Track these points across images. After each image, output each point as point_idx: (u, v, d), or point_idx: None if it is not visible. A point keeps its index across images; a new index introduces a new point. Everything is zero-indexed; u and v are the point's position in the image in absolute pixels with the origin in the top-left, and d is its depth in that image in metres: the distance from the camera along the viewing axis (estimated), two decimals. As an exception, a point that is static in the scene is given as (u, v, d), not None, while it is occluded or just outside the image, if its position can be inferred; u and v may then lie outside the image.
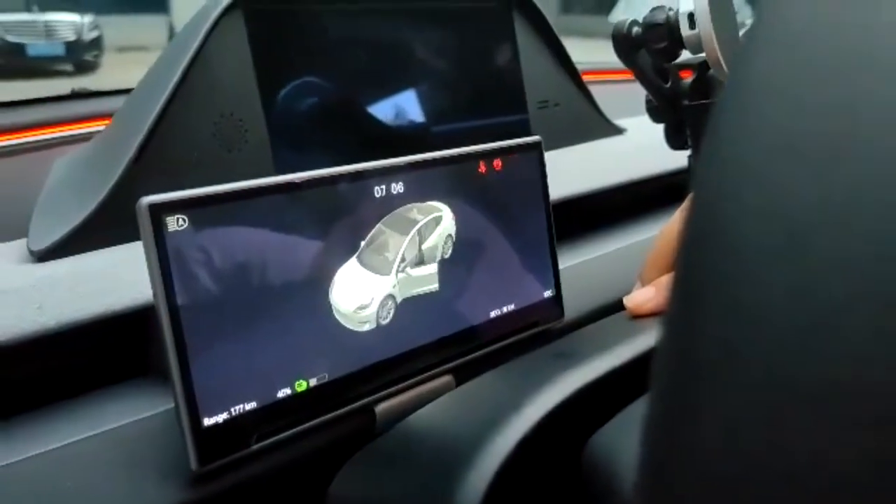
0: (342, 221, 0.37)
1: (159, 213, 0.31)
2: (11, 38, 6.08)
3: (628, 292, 0.44)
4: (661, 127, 0.54)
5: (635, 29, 0.46)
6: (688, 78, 0.51)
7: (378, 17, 0.56)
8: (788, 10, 0.13)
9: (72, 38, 6.38)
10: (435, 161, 0.40)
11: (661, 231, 0.40)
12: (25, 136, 0.69)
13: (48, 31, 6.33)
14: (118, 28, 7.03)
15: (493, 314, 0.43)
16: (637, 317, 0.39)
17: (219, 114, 0.45)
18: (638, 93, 0.60)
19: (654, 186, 0.63)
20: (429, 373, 0.40)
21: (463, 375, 0.40)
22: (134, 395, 0.37)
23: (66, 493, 0.31)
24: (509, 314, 0.43)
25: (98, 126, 0.70)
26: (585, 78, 0.70)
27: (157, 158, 0.43)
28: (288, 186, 0.35)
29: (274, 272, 0.34)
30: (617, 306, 0.45)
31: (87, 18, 6.50)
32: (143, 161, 0.42)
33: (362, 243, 0.37)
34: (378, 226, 0.38)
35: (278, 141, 0.49)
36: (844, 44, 0.13)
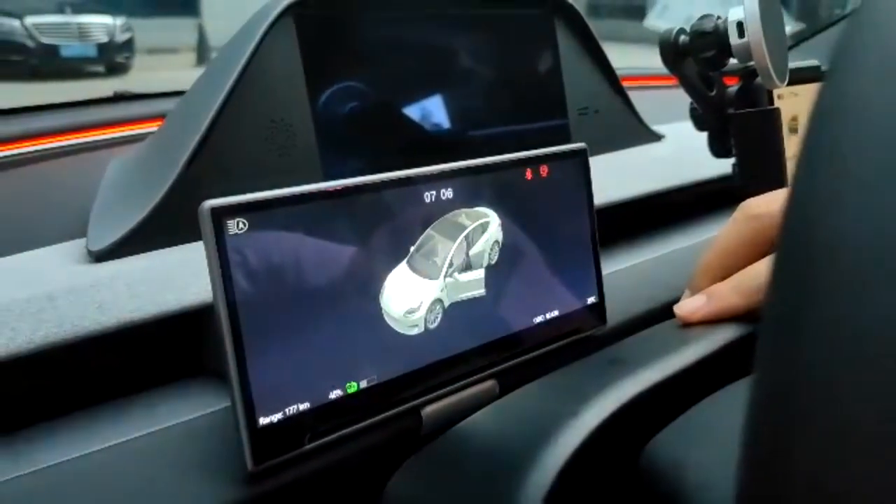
0: (393, 226, 0.37)
1: (220, 217, 0.31)
2: (45, 40, 6.20)
3: (669, 299, 0.44)
4: (698, 133, 0.54)
5: (682, 37, 0.46)
6: (732, 85, 0.50)
7: (424, 24, 0.56)
8: (884, 20, 0.14)
9: (104, 39, 6.49)
10: (483, 167, 0.41)
11: (714, 241, 0.40)
12: (72, 139, 0.71)
13: (81, 32, 6.45)
14: (148, 30, 7.13)
15: (536, 320, 0.43)
16: (687, 325, 0.39)
17: (269, 119, 0.46)
18: (671, 98, 0.60)
19: (694, 193, 0.63)
20: (474, 377, 0.40)
21: (506, 380, 0.41)
22: (188, 393, 0.38)
23: (124, 489, 0.32)
24: (553, 320, 0.44)
25: (142, 128, 0.72)
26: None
27: (210, 162, 0.44)
28: (343, 191, 0.35)
29: (327, 275, 0.34)
30: (657, 313, 0.45)
31: (120, 20, 6.61)
32: (196, 164, 0.43)
33: (412, 248, 0.38)
34: (428, 231, 0.38)
35: (325, 145, 0.49)
36: None
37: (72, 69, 6.22)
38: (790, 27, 1.20)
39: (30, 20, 6.15)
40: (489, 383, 0.41)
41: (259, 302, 0.32)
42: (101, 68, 6.55)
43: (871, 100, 0.13)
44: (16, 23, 6.12)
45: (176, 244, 0.43)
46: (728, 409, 0.29)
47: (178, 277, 0.39)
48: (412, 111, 0.56)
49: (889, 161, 0.12)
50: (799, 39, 1.19)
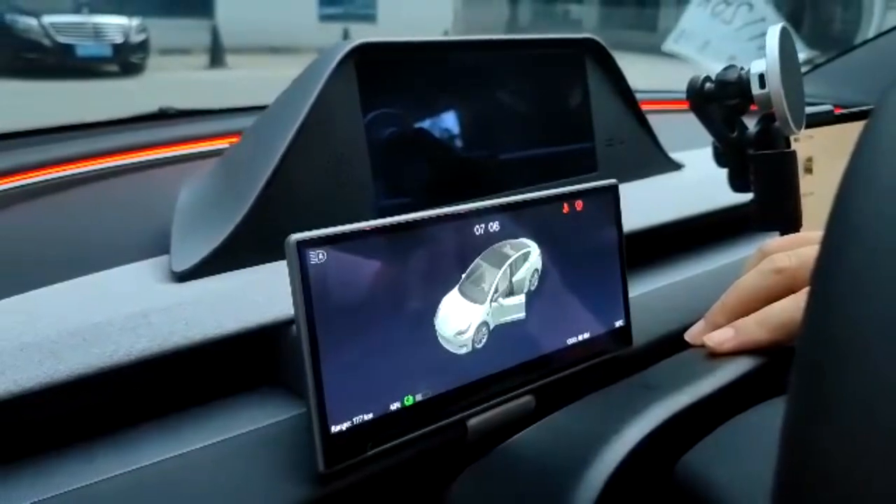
0: (448, 255, 0.41)
1: (304, 248, 0.35)
2: (62, 39, 6.28)
3: (689, 322, 0.48)
4: (713, 163, 0.58)
5: (708, 85, 0.50)
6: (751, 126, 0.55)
7: (470, 65, 0.61)
8: None
9: (119, 40, 6.57)
10: (526, 203, 0.45)
11: (736, 285, 0.45)
12: (121, 159, 0.74)
13: (97, 32, 6.53)
14: (162, 31, 7.20)
15: (569, 341, 0.47)
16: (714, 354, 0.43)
17: (331, 153, 0.50)
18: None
19: (710, 221, 0.67)
20: (513, 392, 0.44)
21: (541, 396, 0.45)
22: (262, 402, 0.42)
23: (210, 486, 0.36)
24: (584, 341, 0.48)
25: (188, 149, 0.76)
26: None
27: (282, 192, 0.48)
28: (405, 225, 0.39)
29: (391, 300, 0.39)
30: (677, 335, 0.49)
31: (135, 21, 6.69)
32: (269, 194, 0.47)
33: (463, 275, 0.42)
34: (477, 260, 0.42)
35: (378, 177, 0.54)
36: None
37: (87, 68, 6.28)
38: (803, 54, 1.24)
39: (47, 19, 6.23)
40: (526, 398, 0.45)
41: (334, 323, 0.37)
42: (115, 67, 6.63)
43: None
44: (33, 21, 6.19)
45: (250, 266, 0.47)
46: (752, 428, 0.33)
47: (254, 297, 0.43)
48: (457, 143, 0.60)
49: None
50: (811, 67, 1.23)
